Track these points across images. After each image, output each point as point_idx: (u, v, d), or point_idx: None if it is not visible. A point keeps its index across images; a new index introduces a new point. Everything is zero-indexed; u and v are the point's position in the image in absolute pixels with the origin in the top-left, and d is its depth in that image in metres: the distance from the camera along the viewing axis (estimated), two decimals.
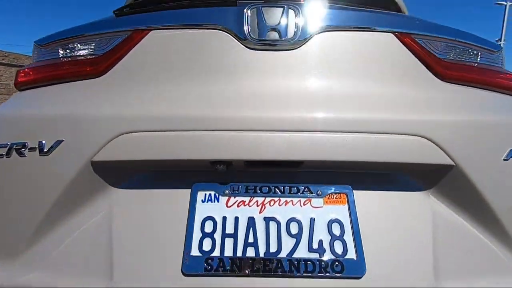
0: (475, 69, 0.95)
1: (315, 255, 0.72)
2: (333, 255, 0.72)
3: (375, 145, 0.75)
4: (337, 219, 0.76)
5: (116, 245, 0.74)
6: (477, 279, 0.73)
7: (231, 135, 0.75)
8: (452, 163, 0.76)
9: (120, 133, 0.77)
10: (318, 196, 0.79)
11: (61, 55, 0.96)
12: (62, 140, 0.78)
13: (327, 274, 0.70)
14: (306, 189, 0.79)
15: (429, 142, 0.76)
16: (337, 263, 0.71)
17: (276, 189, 0.79)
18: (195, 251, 0.72)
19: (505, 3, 23.20)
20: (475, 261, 0.75)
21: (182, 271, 0.70)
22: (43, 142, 0.79)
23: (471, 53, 0.97)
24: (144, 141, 0.76)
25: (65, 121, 0.80)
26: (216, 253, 0.72)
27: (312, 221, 0.75)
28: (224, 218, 0.76)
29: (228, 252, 0.72)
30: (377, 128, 0.76)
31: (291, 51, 0.84)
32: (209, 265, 0.70)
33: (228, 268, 0.70)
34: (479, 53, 0.97)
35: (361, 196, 0.79)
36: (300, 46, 0.84)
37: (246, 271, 0.70)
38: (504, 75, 0.98)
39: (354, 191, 0.79)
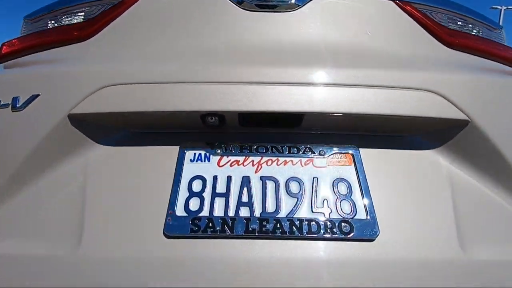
0: (479, 39, 0.90)
1: (319, 215, 0.60)
2: (340, 215, 0.60)
3: (382, 98, 0.66)
4: (343, 178, 0.65)
5: (89, 206, 0.62)
6: (502, 243, 0.61)
7: (225, 87, 0.66)
8: (467, 118, 0.67)
9: (103, 86, 0.68)
10: (321, 156, 0.68)
11: (50, 25, 0.90)
12: (38, 95, 0.70)
13: (334, 235, 0.58)
14: (308, 149, 0.69)
15: (440, 97, 0.68)
16: (345, 223, 0.59)
17: (273, 148, 0.69)
18: (180, 211, 0.60)
19: (500, 8, 23.99)
20: (497, 224, 0.64)
21: (164, 233, 0.58)
22: (18, 97, 0.70)
23: (473, 26, 0.92)
24: (129, 92, 0.67)
25: (43, 77, 0.72)
26: (205, 213, 0.60)
27: (315, 180, 0.65)
28: (215, 177, 0.65)
29: (219, 212, 0.60)
30: (383, 82, 0.68)
31: (289, 12, 0.79)
32: (196, 226, 0.58)
33: (218, 228, 0.58)
34: (480, 28, 0.93)
35: (368, 156, 0.69)
36: (298, 8, 0.79)
37: (239, 232, 0.58)
38: (507, 48, 0.93)
39: (360, 150, 0.69)
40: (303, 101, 0.65)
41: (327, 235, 0.58)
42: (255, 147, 0.70)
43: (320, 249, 0.58)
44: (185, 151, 0.69)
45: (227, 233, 0.58)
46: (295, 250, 0.57)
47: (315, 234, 0.58)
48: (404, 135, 0.73)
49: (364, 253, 0.57)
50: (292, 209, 0.61)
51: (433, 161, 0.69)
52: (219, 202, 0.62)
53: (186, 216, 0.60)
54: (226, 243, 0.58)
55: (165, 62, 0.71)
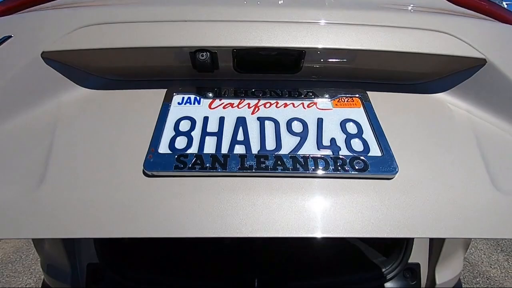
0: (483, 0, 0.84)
1: (327, 152, 0.49)
2: (351, 152, 0.49)
3: (392, 36, 0.58)
4: (352, 119, 0.55)
5: (58, 146, 0.50)
6: None
7: (218, 24, 0.57)
8: (483, 57, 0.58)
9: (83, 25, 0.58)
10: (326, 99, 0.58)
11: None
12: (10, 36, 0.60)
13: (346, 172, 0.46)
14: (310, 93, 0.59)
15: (454, 37, 0.60)
16: (358, 160, 0.48)
17: (272, 92, 0.59)
18: (164, 149, 0.49)
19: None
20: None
21: (144, 171, 0.47)
22: None
23: None
24: (112, 30, 0.58)
25: (17, 20, 0.63)
26: (193, 150, 0.49)
27: (320, 121, 0.54)
28: (206, 118, 0.54)
29: (209, 150, 0.49)
30: (392, 22, 0.60)
31: None
32: (181, 163, 0.47)
33: (208, 165, 0.47)
34: None
35: (378, 100, 0.59)
36: None
37: (234, 169, 0.46)
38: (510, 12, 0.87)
39: (369, 94, 0.59)
40: (303, 37, 0.56)
41: (338, 173, 0.47)
42: (252, 90, 0.59)
43: (329, 187, 0.46)
44: (173, 94, 0.58)
45: (219, 170, 0.46)
46: (299, 189, 0.46)
47: (323, 171, 0.47)
48: (415, 83, 0.63)
49: (382, 192, 0.46)
50: (296, 147, 0.50)
51: (449, 103, 0.60)
52: (210, 141, 0.50)
53: (170, 153, 0.48)
54: (218, 182, 0.46)
55: (154, 3, 0.63)
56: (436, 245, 1.05)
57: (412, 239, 1.04)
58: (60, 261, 1.02)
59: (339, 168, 0.47)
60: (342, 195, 0.46)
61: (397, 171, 0.47)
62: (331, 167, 0.47)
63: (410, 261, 1.06)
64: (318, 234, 0.41)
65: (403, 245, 1.06)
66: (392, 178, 0.47)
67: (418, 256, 1.06)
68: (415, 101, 0.60)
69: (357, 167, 0.47)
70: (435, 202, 0.45)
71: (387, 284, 1.06)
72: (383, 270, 1.06)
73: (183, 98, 0.58)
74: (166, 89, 0.59)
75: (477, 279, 2.09)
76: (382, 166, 0.48)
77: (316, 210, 0.44)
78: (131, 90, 0.59)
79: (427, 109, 0.59)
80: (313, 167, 0.47)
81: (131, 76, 0.63)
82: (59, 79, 0.59)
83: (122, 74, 0.62)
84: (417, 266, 1.07)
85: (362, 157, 0.49)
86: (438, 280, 1.05)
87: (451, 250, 1.05)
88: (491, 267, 2.20)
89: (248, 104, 0.57)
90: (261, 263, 1.10)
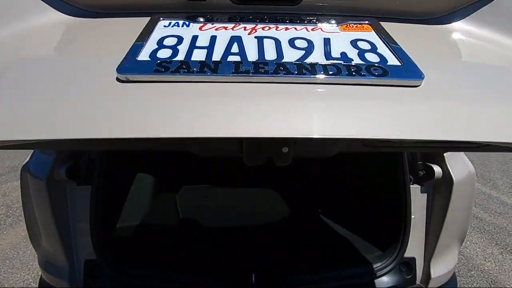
0: None
1: (337, 61, 0.38)
2: (366, 62, 0.38)
3: None
4: (363, 39, 0.44)
5: (20, 59, 0.39)
6: None
7: None
8: None
9: None
10: (332, 24, 0.48)
11: None
12: None
13: (363, 77, 0.35)
14: (314, 20, 0.49)
15: None
16: (375, 67, 0.37)
17: (271, 19, 0.48)
18: (143, 57, 0.38)
19: None
20: None
21: (117, 78, 0.35)
22: None
23: None
24: None
25: None
26: (178, 58, 0.37)
27: (326, 40, 0.43)
28: (195, 37, 0.43)
29: (198, 58, 0.37)
30: None
31: None
32: (163, 67, 0.35)
33: (195, 69, 0.35)
34: None
35: (390, 27, 0.48)
36: None
37: (226, 73, 0.35)
38: None
39: (381, 23, 0.49)
40: None
41: (353, 78, 0.35)
42: (248, 17, 0.49)
43: (342, 95, 0.34)
44: (159, 19, 0.47)
45: (208, 74, 0.35)
46: (307, 95, 0.34)
47: (335, 75, 0.35)
48: (428, 18, 0.53)
49: (406, 99, 0.34)
50: (301, 57, 0.38)
51: (468, 31, 0.49)
52: (199, 52, 0.39)
53: (149, 60, 0.37)
54: (207, 86, 0.34)
55: None
56: (431, 240, 0.99)
57: (408, 234, 0.97)
58: (58, 258, 0.93)
59: (354, 73, 0.36)
60: (357, 103, 0.34)
61: (423, 78, 0.36)
62: (345, 73, 0.36)
63: (405, 255, 0.99)
64: (330, 135, 0.29)
65: (399, 240, 0.98)
66: (418, 86, 0.36)
67: (414, 250, 0.99)
68: (431, 30, 0.50)
69: (376, 73, 0.36)
70: (469, 107, 0.34)
71: (383, 278, 0.99)
72: (379, 264, 0.99)
73: (170, 22, 0.47)
74: (149, 17, 0.48)
75: (472, 272, 1.95)
76: (405, 72, 0.36)
77: (328, 115, 0.32)
78: (111, 18, 0.49)
79: (444, 35, 0.49)
80: (322, 72, 0.36)
81: (111, 8, 0.52)
82: (32, 2, 0.48)
83: (102, 5, 0.51)
84: (412, 260, 1.01)
85: (379, 65, 0.37)
86: (433, 274, 1.00)
87: (446, 244, 0.99)
88: (485, 260, 2.05)
89: (244, 27, 0.46)
90: (259, 259, 1.03)
